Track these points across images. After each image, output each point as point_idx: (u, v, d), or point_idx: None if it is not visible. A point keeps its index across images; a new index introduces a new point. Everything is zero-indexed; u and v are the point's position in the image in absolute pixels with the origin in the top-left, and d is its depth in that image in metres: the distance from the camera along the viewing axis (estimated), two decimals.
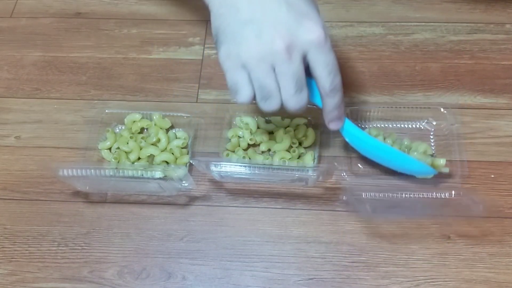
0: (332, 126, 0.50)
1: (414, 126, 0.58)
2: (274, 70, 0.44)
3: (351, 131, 0.51)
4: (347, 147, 0.56)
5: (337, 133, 0.57)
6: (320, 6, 0.48)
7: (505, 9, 0.68)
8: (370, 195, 0.48)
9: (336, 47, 0.65)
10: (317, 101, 0.49)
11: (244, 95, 0.46)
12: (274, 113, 0.48)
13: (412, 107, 0.58)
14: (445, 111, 0.57)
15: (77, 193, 0.56)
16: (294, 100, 0.46)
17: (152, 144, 0.57)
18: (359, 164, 0.56)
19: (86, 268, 0.51)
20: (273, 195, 0.55)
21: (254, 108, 0.60)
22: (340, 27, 0.67)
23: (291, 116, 0.58)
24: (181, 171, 0.51)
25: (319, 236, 0.52)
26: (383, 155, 0.53)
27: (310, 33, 0.44)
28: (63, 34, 0.70)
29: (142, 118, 0.60)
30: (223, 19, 0.46)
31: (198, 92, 0.63)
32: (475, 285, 0.49)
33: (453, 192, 0.48)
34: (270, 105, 0.46)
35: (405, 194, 0.49)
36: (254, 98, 0.46)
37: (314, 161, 0.55)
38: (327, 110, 0.49)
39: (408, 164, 0.52)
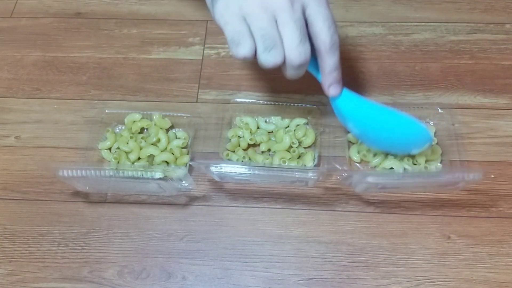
0: (332, 90, 0.49)
1: None
2: (275, 21, 0.44)
3: (348, 98, 0.50)
4: (347, 147, 0.56)
5: (337, 132, 0.57)
6: None
7: (505, 9, 0.68)
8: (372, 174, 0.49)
9: None
10: (314, 70, 0.49)
11: (246, 46, 0.44)
12: (275, 67, 0.46)
13: (412, 107, 0.58)
14: (444, 111, 0.57)
15: (77, 193, 0.56)
16: (298, 51, 0.45)
17: (152, 144, 0.57)
18: (358, 164, 0.56)
19: (86, 268, 0.51)
20: (273, 195, 0.55)
21: (254, 108, 0.60)
22: (340, 27, 0.67)
23: (291, 116, 0.59)
24: (181, 171, 0.51)
25: (319, 236, 0.52)
26: (380, 126, 0.51)
27: None
28: (63, 34, 0.70)
29: (142, 118, 0.60)
30: None
31: (198, 92, 0.63)
32: (475, 285, 0.49)
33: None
34: (273, 57, 0.45)
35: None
36: (255, 56, 0.45)
37: (314, 161, 0.55)
38: (327, 70, 0.48)
39: (406, 129, 0.51)
